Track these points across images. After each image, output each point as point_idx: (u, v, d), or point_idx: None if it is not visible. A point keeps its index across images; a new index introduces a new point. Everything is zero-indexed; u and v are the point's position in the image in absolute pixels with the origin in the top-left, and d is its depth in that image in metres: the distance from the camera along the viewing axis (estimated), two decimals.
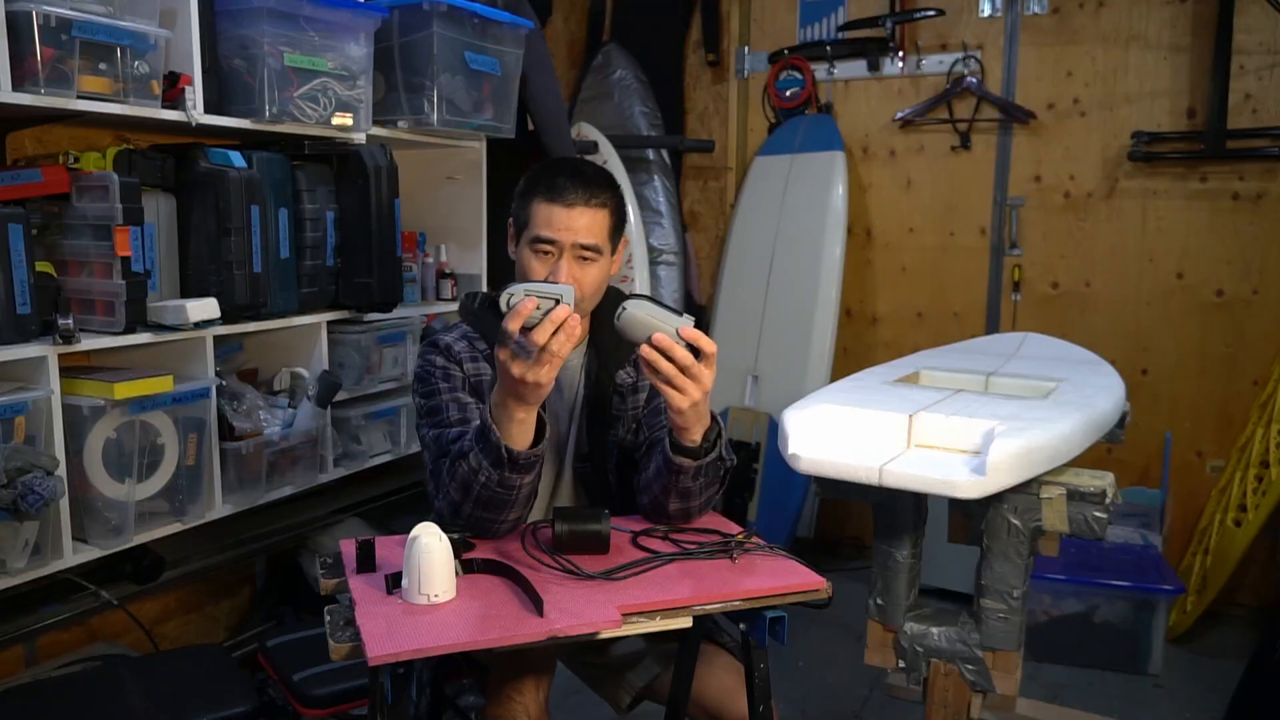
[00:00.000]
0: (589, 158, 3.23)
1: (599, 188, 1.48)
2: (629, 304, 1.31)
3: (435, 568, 1.17)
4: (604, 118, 3.56)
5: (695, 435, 1.37)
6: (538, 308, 1.24)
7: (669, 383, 1.29)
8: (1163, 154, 3.05)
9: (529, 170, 1.54)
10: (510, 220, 1.55)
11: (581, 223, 1.45)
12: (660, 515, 1.46)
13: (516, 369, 1.25)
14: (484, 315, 1.32)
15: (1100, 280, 3.20)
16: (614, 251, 1.54)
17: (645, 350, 1.29)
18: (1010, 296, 3.32)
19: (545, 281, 1.39)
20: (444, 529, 1.22)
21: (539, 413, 1.34)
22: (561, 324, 1.24)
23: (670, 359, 1.28)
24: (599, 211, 1.47)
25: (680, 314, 1.32)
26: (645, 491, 1.48)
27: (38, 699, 1.62)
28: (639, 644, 1.59)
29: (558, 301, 1.25)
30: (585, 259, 1.47)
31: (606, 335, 1.56)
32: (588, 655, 1.61)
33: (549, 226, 1.45)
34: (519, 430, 1.31)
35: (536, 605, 1.14)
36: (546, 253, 1.46)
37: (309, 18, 2.01)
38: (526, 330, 1.24)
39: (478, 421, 1.36)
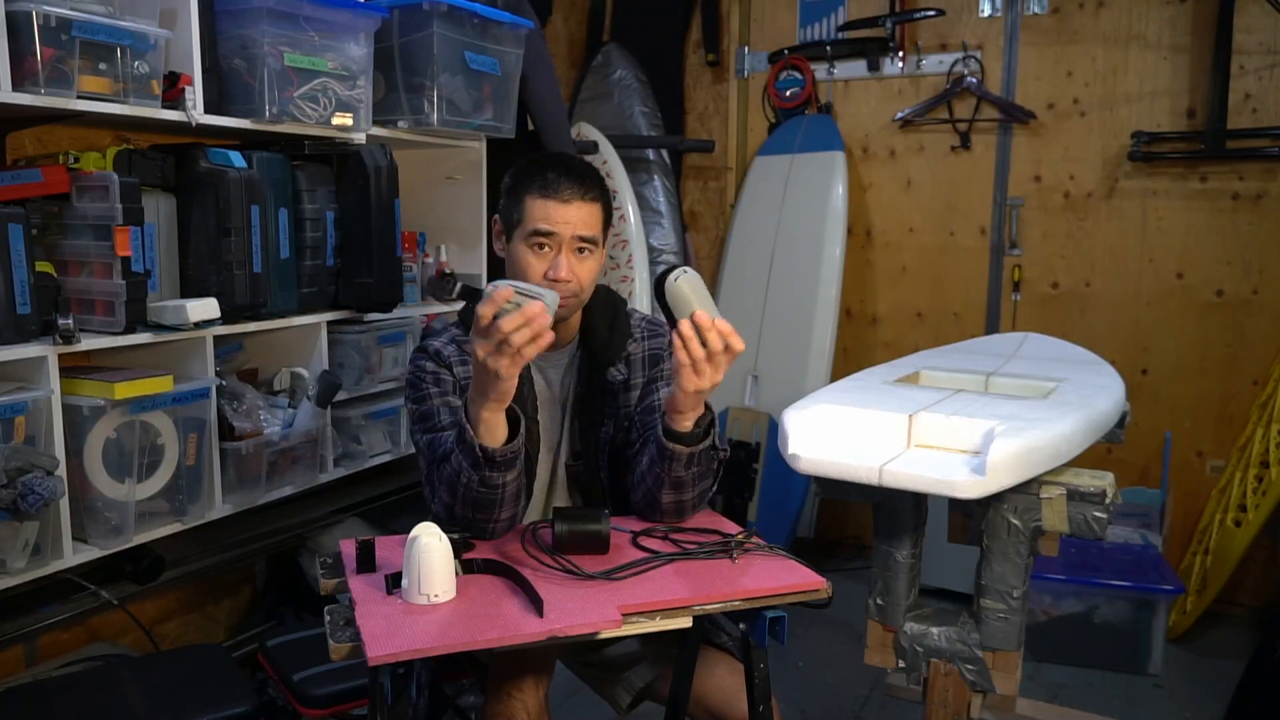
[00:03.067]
0: (589, 158, 3.24)
1: (590, 182, 1.50)
2: (685, 272, 1.32)
3: (435, 568, 1.18)
4: (604, 118, 3.56)
5: (689, 422, 1.38)
6: (512, 301, 1.24)
7: (694, 362, 1.29)
8: (1163, 154, 3.05)
9: (514, 168, 1.54)
10: (496, 218, 1.56)
11: (578, 216, 1.47)
12: (653, 510, 1.46)
13: (480, 351, 1.25)
14: (469, 305, 1.33)
15: (1100, 280, 3.20)
16: (604, 244, 1.55)
17: (684, 326, 1.30)
18: (1010, 296, 3.32)
19: (537, 285, 1.38)
20: (443, 530, 1.22)
21: (514, 408, 1.34)
22: (531, 320, 1.22)
23: (704, 341, 1.30)
24: (593, 205, 1.49)
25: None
26: (638, 486, 1.48)
27: (38, 699, 1.62)
28: (639, 644, 1.59)
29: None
30: (582, 251, 1.49)
31: (598, 333, 1.58)
32: (587, 655, 1.61)
33: (547, 220, 1.46)
34: (486, 429, 1.31)
35: (536, 605, 1.15)
36: (544, 247, 1.47)
37: (309, 18, 2.01)
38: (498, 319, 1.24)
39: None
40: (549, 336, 1.25)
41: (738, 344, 1.31)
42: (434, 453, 1.44)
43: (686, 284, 1.32)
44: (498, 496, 1.35)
